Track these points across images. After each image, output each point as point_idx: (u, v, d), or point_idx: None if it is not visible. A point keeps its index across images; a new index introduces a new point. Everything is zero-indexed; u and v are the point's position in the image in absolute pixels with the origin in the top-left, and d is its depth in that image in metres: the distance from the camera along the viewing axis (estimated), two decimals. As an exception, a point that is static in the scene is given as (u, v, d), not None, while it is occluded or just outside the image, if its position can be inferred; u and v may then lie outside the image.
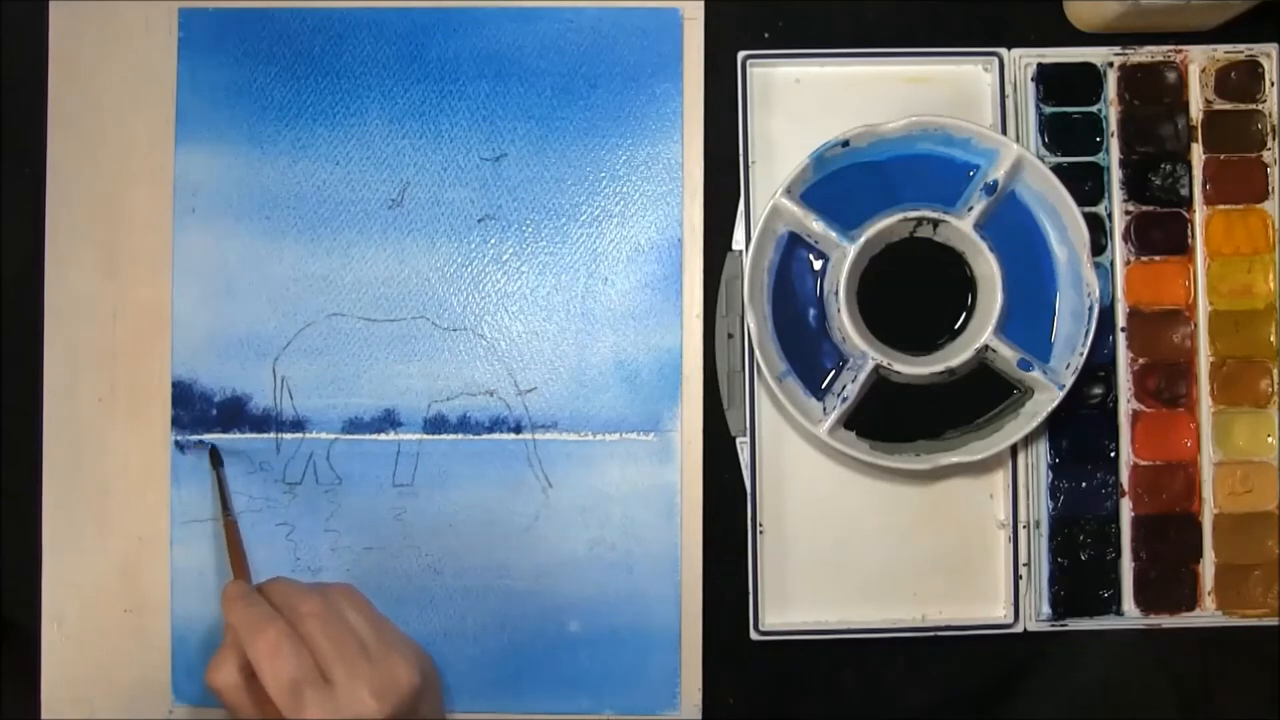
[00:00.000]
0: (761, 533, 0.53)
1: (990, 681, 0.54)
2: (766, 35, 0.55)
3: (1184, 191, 0.54)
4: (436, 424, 0.53)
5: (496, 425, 0.53)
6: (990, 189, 0.51)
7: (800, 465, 0.54)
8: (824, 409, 0.52)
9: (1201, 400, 0.54)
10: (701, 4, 0.54)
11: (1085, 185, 0.54)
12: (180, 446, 0.53)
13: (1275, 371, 0.54)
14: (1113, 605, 0.53)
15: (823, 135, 0.51)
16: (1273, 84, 0.54)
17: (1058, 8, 0.55)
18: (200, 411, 0.53)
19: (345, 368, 0.53)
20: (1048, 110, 0.54)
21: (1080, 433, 0.53)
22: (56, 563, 0.53)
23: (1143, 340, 0.54)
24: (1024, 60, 0.54)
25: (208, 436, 0.53)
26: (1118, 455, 0.53)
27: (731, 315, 0.53)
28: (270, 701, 0.44)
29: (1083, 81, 0.54)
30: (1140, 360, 0.54)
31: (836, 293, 0.50)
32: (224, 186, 0.53)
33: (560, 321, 0.54)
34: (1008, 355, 0.50)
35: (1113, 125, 0.54)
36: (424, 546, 0.53)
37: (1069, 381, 0.50)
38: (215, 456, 0.52)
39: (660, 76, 0.54)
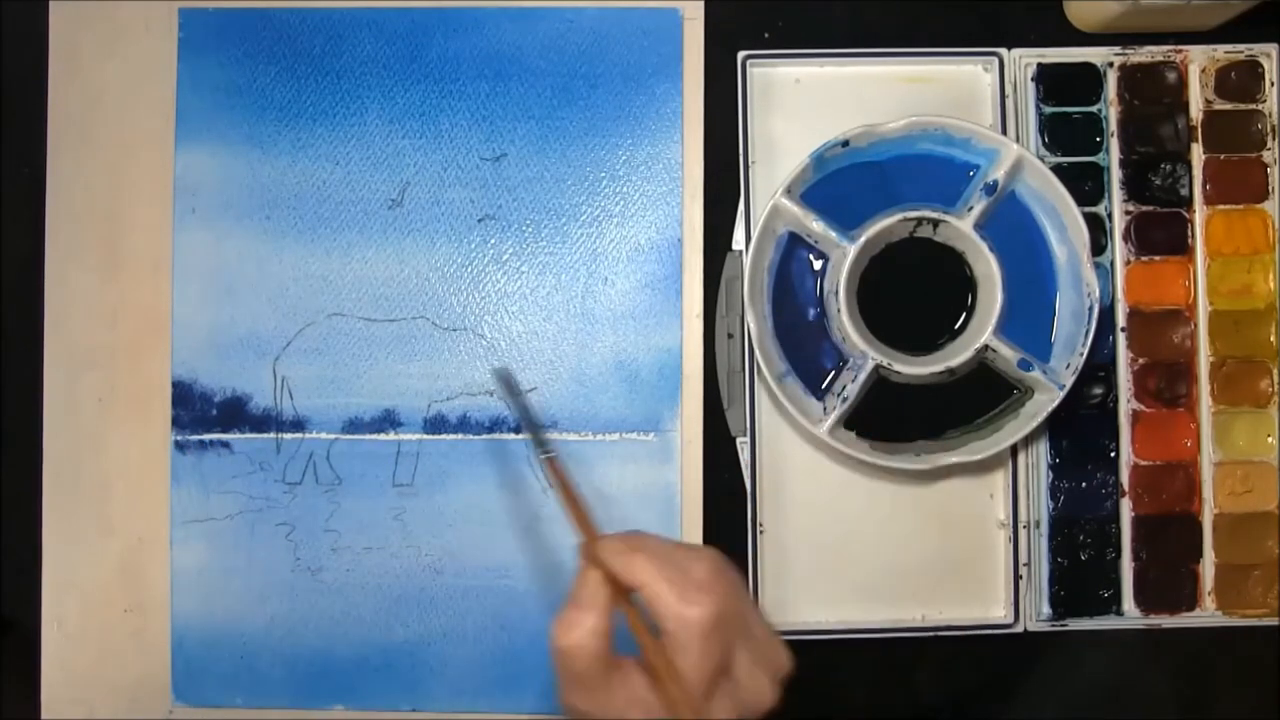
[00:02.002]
0: (761, 533, 0.53)
1: (990, 681, 0.54)
2: (766, 35, 0.55)
3: (1184, 191, 0.54)
4: (436, 424, 0.53)
5: (496, 425, 0.53)
6: (990, 189, 0.51)
7: (800, 465, 0.54)
8: (824, 409, 0.52)
9: (1201, 400, 0.54)
10: (701, 4, 0.54)
11: (1085, 185, 0.54)
12: (180, 446, 0.53)
13: (1275, 371, 0.54)
14: (1113, 605, 0.53)
15: (823, 135, 0.51)
16: (1273, 84, 0.54)
17: (1058, 8, 0.55)
18: (200, 411, 0.53)
19: (345, 368, 0.53)
20: (1048, 110, 0.54)
21: (1080, 433, 0.53)
22: (56, 563, 0.53)
23: (1143, 340, 0.54)
24: (1024, 60, 0.54)
25: (208, 436, 0.53)
26: (1118, 455, 0.53)
27: (731, 315, 0.53)
28: (628, 673, 0.38)
29: (1083, 81, 0.54)
30: (1140, 360, 0.54)
31: (836, 293, 0.50)
32: (224, 186, 0.53)
33: (560, 321, 0.54)
34: (1008, 355, 0.50)
35: (1113, 125, 0.54)
36: (424, 546, 0.53)
37: (1069, 381, 0.50)
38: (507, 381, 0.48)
39: (660, 76, 0.54)
